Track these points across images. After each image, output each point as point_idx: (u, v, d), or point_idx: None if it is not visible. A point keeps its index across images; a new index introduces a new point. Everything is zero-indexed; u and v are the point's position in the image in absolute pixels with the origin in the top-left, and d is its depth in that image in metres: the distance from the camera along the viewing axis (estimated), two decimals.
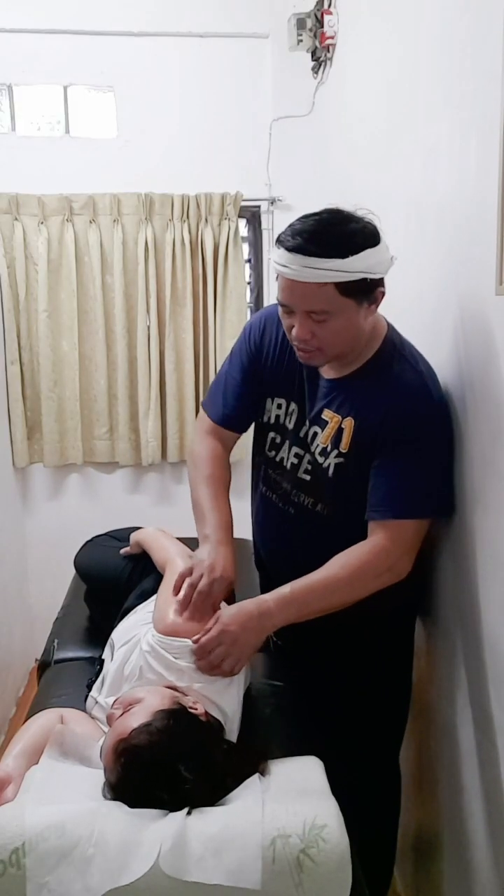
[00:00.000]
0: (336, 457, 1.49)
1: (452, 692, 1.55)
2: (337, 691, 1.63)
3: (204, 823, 1.09)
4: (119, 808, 1.11)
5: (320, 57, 2.62)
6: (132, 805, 1.12)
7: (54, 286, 3.11)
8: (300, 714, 1.56)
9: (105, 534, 2.14)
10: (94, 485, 3.37)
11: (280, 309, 1.44)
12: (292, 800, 1.14)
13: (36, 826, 1.06)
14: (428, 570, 1.62)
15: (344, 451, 1.47)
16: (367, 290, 1.36)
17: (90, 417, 3.25)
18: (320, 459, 1.51)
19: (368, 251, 1.33)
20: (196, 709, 1.28)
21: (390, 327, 1.53)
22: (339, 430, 1.48)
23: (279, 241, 1.36)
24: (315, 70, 2.72)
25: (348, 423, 1.47)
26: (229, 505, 1.61)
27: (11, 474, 3.20)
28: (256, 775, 1.21)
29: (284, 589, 1.41)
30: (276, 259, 1.37)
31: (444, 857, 1.67)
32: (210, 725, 1.29)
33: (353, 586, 1.42)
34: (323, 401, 1.52)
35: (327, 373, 1.52)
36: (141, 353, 3.17)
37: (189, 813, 1.11)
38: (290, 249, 1.32)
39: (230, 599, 1.55)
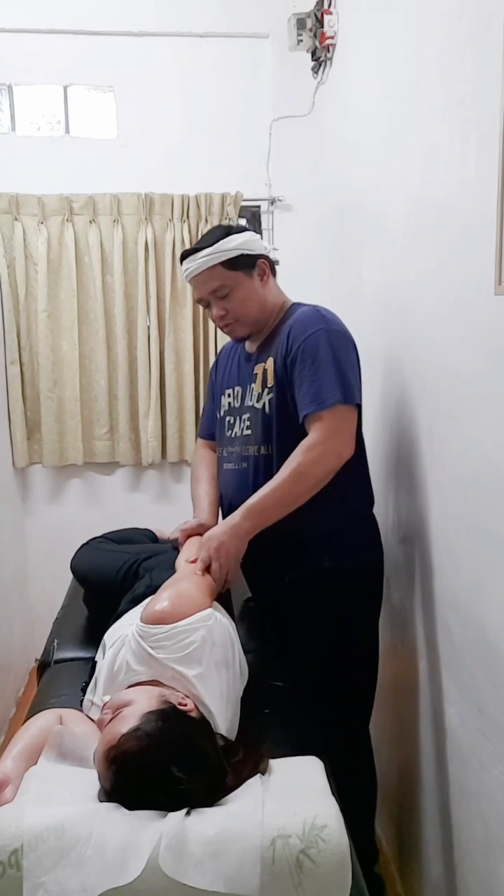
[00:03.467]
0: (268, 394, 1.73)
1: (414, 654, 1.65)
2: (310, 655, 1.76)
3: (203, 825, 1.08)
4: (118, 810, 1.11)
5: (320, 57, 2.62)
6: (129, 808, 1.11)
7: (54, 286, 3.11)
8: (300, 714, 1.56)
9: (101, 536, 2.14)
10: (95, 485, 3.37)
11: (202, 307, 1.70)
12: (292, 800, 1.14)
13: (35, 827, 1.06)
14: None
15: (270, 386, 1.72)
16: (249, 263, 1.73)
17: (90, 417, 3.26)
18: (257, 406, 1.76)
19: (235, 235, 1.71)
20: (185, 704, 1.27)
21: (297, 302, 1.82)
22: (265, 373, 1.74)
23: (180, 262, 1.77)
24: (315, 70, 2.72)
25: (269, 364, 1.73)
26: (215, 489, 1.92)
27: (11, 474, 3.20)
28: (257, 775, 1.20)
29: (243, 505, 1.65)
30: (182, 273, 1.76)
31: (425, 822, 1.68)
32: (202, 722, 1.28)
33: (299, 474, 1.61)
34: (252, 366, 1.80)
35: (252, 348, 1.82)
36: (141, 353, 3.17)
37: (188, 813, 1.10)
38: (184, 258, 1.74)
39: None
